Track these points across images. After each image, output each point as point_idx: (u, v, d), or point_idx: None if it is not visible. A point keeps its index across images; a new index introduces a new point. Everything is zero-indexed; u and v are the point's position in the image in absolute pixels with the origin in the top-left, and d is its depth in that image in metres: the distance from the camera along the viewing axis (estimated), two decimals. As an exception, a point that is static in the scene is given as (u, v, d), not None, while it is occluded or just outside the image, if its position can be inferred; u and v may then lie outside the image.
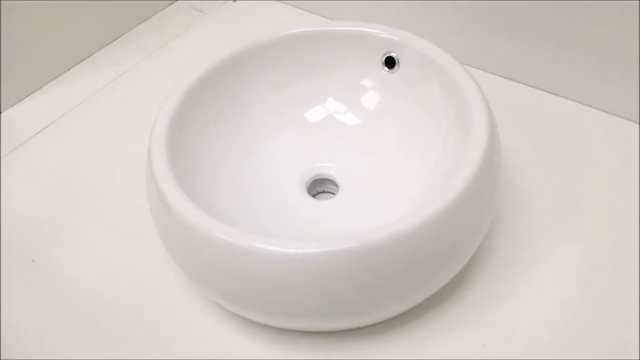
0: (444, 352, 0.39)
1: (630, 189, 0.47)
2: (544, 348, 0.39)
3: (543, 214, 0.45)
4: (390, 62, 0.47)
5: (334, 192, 0.47)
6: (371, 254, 0.34)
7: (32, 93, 0.61)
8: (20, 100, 0.60)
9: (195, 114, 0.44)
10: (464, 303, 0.41)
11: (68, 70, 0.63)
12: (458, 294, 0.41)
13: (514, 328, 0.40)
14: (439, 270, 0.37)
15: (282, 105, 0.48)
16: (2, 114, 0.59)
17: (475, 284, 0.42)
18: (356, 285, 0.34)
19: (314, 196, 0.47)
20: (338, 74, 0.48)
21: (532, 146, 0.50)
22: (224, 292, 0.37)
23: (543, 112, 0.53)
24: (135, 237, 0.47)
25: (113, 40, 0.66)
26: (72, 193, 0.50)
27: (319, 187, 0.48)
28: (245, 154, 0.47)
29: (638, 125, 0.50)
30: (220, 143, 0.46)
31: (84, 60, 0.64)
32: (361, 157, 0.47)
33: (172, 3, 0.71)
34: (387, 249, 0.34)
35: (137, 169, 0.51)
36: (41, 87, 0.61)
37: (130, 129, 0.56)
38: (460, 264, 0.38)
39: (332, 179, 0.47)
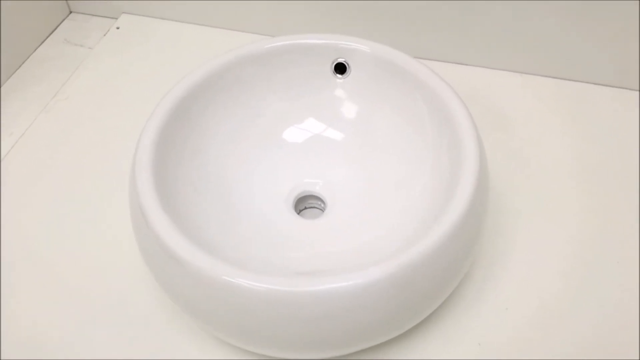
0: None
1: (559, 135, 0.53)
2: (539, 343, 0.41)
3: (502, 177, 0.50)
4: (340, 69, 0.47)
5: (322, 207, 0.47)
6: (380, 286, 0.33)
7: None
8: None
9: (172, 147, 0.42)
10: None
11: (-52, 146, 0.54)
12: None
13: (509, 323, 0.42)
14: (440, 291, 0.38)
15: (252, 125, 0.47)
16: None
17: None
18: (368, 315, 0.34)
19: (300, 212, 0.47)
20: (299, 88, 0.47)
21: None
22: (237, 333, 0.36)
23: (463, 83, 0.57)
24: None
25: (-13, 99, 0.58)
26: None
27: (306, 203, 0.47)
28: (226, 181, 0.45)
29: (551, 79, 0.57)
30: (199, 173, 0.44)
31: (-38, 129, 0.55)
32: (343, 169, 0.47)
33: (41, 44, 0.63)
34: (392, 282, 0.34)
35: (81, 238, 0.46)
36: None
37: (65, 194, 0.49)
38: (462, 273, 0.39)
39: (318, 195, 0.46)
